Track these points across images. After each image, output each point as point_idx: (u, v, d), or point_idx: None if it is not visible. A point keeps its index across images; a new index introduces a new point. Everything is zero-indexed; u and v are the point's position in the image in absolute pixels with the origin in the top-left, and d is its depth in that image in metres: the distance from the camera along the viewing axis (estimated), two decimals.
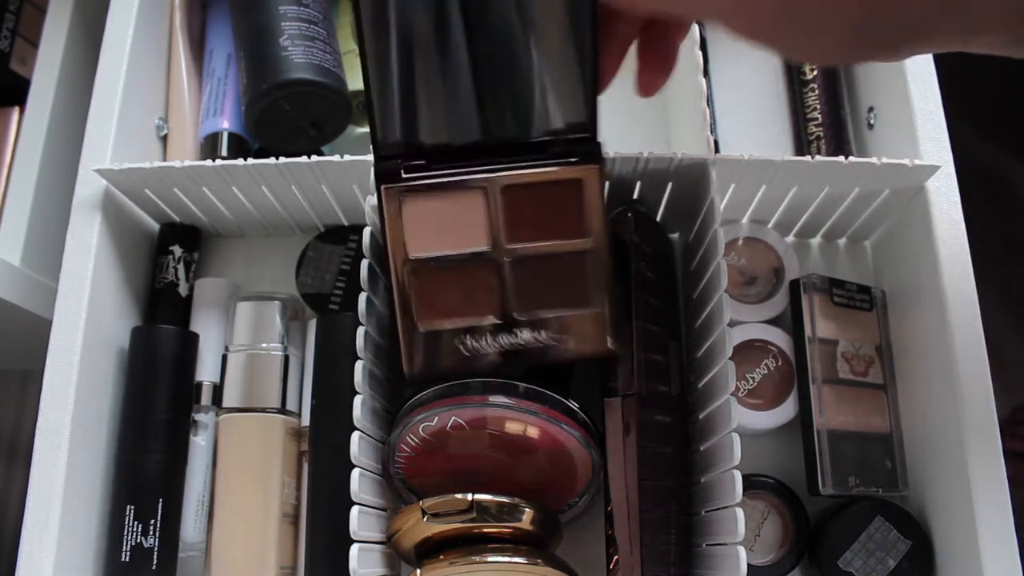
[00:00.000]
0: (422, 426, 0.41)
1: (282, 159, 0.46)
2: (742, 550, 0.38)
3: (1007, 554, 0.42)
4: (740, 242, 0.52)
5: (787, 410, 0.49)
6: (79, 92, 0.57)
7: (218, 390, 0.50)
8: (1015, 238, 0.67)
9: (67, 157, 0.56)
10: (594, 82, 0.37)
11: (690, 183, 0.46)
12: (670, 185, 0.47)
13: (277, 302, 0.50)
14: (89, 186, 0.49)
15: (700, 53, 0.47)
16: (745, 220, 0.52)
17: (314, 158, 0.46)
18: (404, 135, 0.38)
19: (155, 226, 0.54)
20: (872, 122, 0.54)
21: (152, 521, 0.46)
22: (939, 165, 0.46)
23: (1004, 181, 0.68)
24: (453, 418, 0.41)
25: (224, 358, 0.50)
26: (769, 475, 0.49)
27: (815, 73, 0.56)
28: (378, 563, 0.42)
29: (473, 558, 0.39)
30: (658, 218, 0.50)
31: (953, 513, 0.45)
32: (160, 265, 0.53)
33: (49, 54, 0.59)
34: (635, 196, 0.48)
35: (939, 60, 0.49)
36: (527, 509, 0.40)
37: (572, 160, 0.39)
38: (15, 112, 0.58)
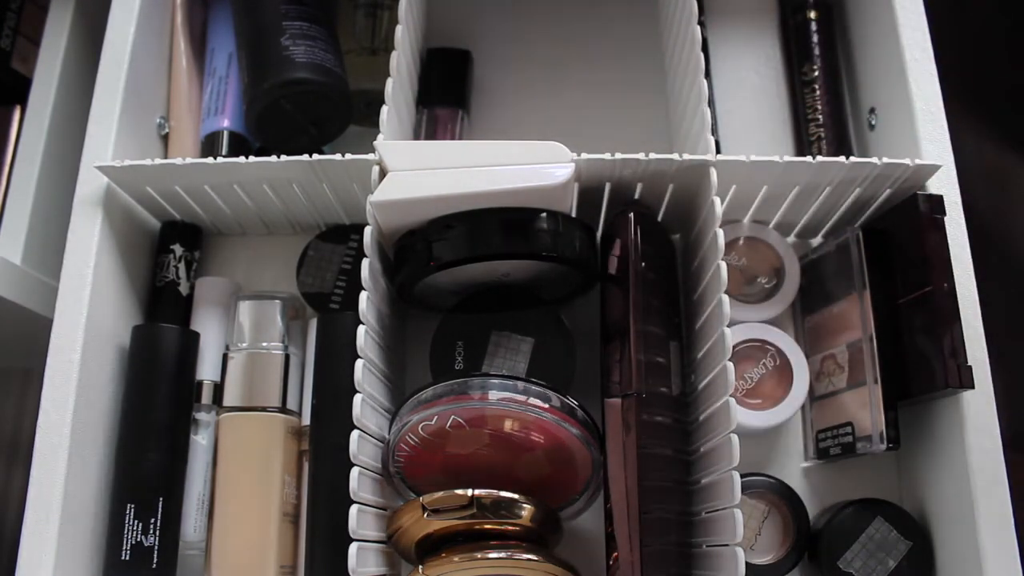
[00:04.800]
0: (422, 425, 0.42)
1: (283, 157, 0.46)
2: (740, 551, 0.38)
3: (1007, 554, 0.42)
4: (741, 242, 0.52)
5: (786, 409, 0.49)
6: (80, 91, 0.57)
7: (219, 389, 0.50)
8: (1016, 238, 0.67)
9: (68, 156, 0.56)
10: None
11: (691, 184, 0.46)
12: (671, 186, 0.47)
13: (278, 301, 0.50)
14: (90, 184, 0.49)
15: (701, 55, 0.47)
16: (746, 220, 0.52)
17: (315, 157, 0.46)
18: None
19: (156, 224, 0.54)
20: (873, 123, 0.54)
21: (152, 520, 0.46)
22: (940, 165, 0.46)
23: (1005, 181, 0.68)
24: (453, 417, 0.41)
25: (225, 357, 0.50)
26: (769, 474, 0.49)
27: (816, 74, 0.56)
28: (377, 562, 0.42)
29: (475, 555, 0.39)
30: (659, 219, 0.50)
31: (953, 513, 0.45)
32: (161, 264, 0.53)
33: (50, 53, 0.59)
34: (636, 197, 0.48)
35: (941, 60, 0.49)
36: (527, 506, 0.40)
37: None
38: (16, 110, 0.58)
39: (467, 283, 0.47)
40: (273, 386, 0.49)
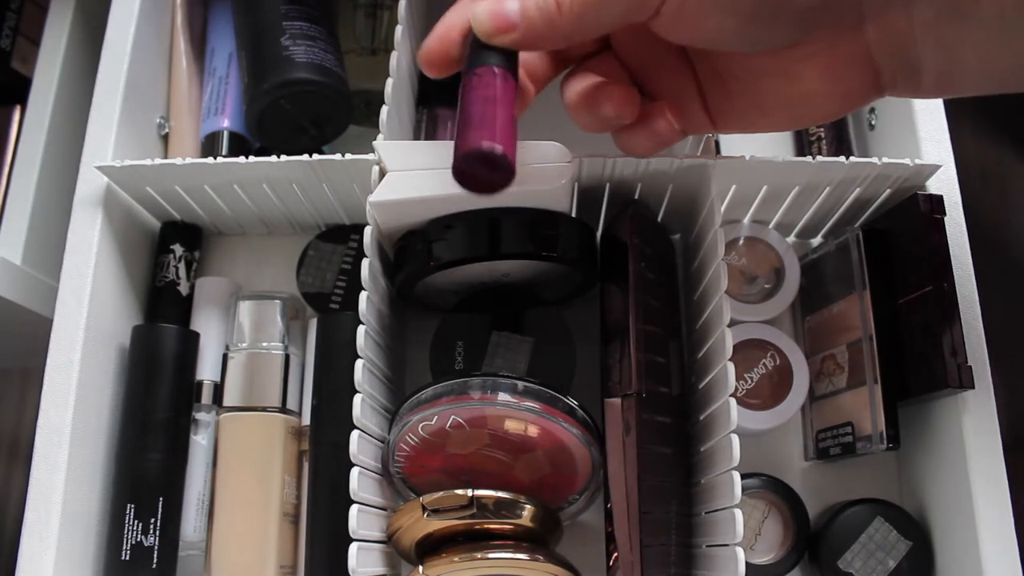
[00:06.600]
0: (422, 425, 0.42)
1: (283, 157, 0.46)
2: (741, 551, 0.38)
3: (1007, 554, 0.42)
4: (741, 242, 0.52)
5: (786, 409, 0.49)
6: (80, 91, 0.57)
7: (219, 389, 0.50)
8: (1016, 238, 0.67)
9: (68, 156, 0.56)
10: None
11: (691, 184, 0.46)
12: (671, 186, 0.47)
13: (278, 301, 0.50)
14: (90, 184, 0.49)
15: None
16: (746, 220, 0.52)
17: (315, 157, 0.46)
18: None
19: (156, 224, 0.54)
20: (873, 123, 0.54)
21: (152, 520, 0.46)
22: (940, 165, 0.46)
23: (1005, 181, 0.68)
24: (453, 417, 0.41)
25: (225, 357, 0.50)
26: (769, 474, 0.49)
27: None
28: (377, 562, 0.42)
29: (475, 555, 0.39)
30: (659, 219, 0.50)
31: (953, 513, 0.45)
32: (161, 264, 0.53)
33: (50, 53, 0.59)
34: (636, 197, 0.48)
35: None
36: (527, 505, 0.40)
37: None
38: (16, 111, 0.58)
39: (467, 283, 0.47)
40: (273, 386, 0.49)
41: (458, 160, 0.32)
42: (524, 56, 0.37)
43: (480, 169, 0.32)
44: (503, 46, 0.34)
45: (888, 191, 0.47)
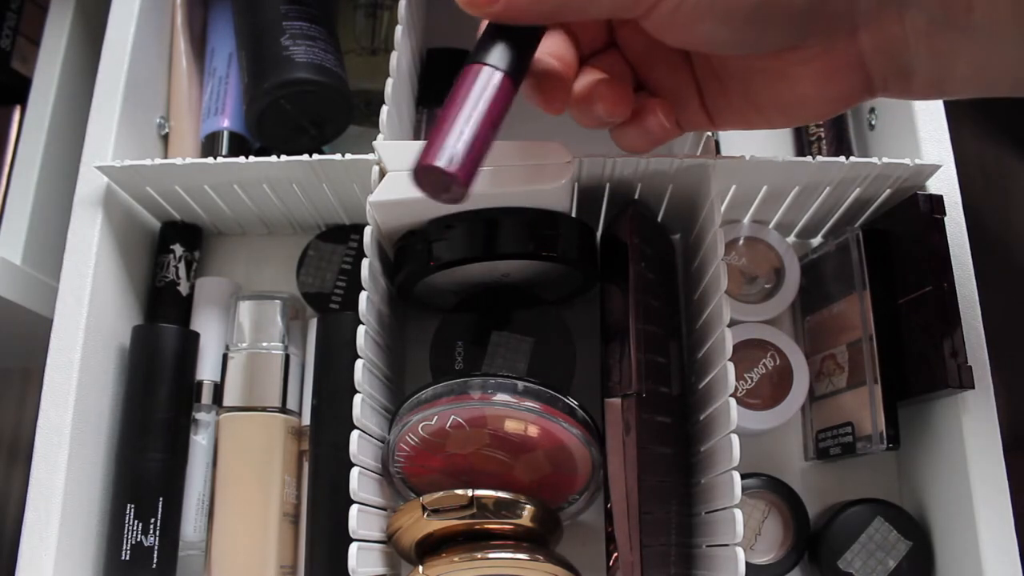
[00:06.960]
0: (422, 425, 0.42)
1: (283, 157, 0.46)
2: (741, 551, 0.38)
3: (1007, 554, 0.42)
4: (741, 242, 0.52)
5: (786, 409, 0.49)
6: (80, 91, 0.57)
7: (219, 389, 0.50)
8: (1016, 238, 0.67)
9: (68, 156, 0.56)
10: None
11: (691, 184, 0.46)
12: (671, 186, 0.47)
13: (278, 301, 0.50)
14: (90, 184, 0.49)
15: None
16: (746, 220, 0.52)
17: (315, 157, 0.46)
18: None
19: (156, 224, 0.54)
20: (873, 123, 0.54)
21: (152, 520, 0.46)
22: (940, 165, 0.46)
23: (1005, 181, 0.68)
24: (453, 417, 0.41)
25: (225, 357, 0.50)
26: (769, 474, 0.49)
27: None
28: (377, 562, 0.42)
29: (475, 555, 0.39)
30: (659, 219, 0.50)
31: (953, 513, 0.45)
32: (161, 264, 0.53)
33: (50, 53, 0.59)
34: (636, 197, 0.48)
35: None
36: (527, 505, 0.40)
37: None
38: (16, 111, 0.58)
39: (467, 283, 0.47)
40: (273, 386, 0.49)
41: (415, 170, 0.32)
42: (552, 45, 0.36)
43: (434, 184, 0.32)
44: (486, 17, 0.33)
45: (888, 191, 0.47)
